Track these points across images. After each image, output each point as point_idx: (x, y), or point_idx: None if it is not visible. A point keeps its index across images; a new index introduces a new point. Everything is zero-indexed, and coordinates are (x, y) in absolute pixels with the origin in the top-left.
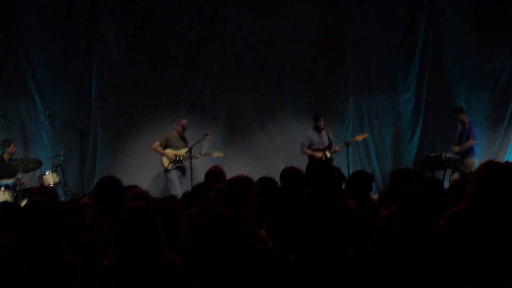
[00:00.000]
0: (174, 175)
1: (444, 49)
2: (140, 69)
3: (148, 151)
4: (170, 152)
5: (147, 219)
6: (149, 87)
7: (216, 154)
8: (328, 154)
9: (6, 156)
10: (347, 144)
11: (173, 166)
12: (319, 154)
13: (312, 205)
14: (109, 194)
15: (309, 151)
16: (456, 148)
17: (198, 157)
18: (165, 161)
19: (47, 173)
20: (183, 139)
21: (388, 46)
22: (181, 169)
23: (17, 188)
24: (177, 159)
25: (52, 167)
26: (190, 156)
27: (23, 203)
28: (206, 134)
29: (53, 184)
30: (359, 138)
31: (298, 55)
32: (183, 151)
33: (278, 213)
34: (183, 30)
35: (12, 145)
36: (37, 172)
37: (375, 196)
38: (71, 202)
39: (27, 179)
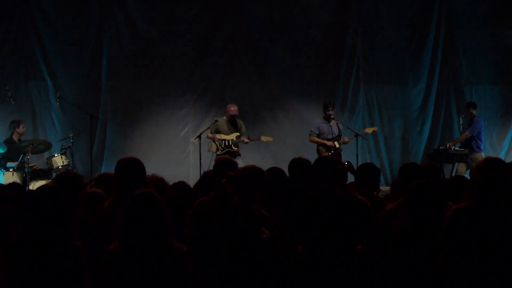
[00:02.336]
0: None
1: (456, 42)
2: (150, 53)
3: (156, 136)
4: (220, 136)
5: (154, 206)
6: (159, 71)
7: (265, 138)
8: (336, 144)
9: (15, 137)
10: (357, 136)
11: (221, 151)
12: (328, 143)
13: (321, 197)
14: (133, 177)
15: (317, 139)
16: (450, 143)
17: (247, 142)
18: (213, 146)
19: (56, 155)
20: (234, 123)
21: (399, 38)
22: (232, 154)
23: (25, 169)
24: (226, 144)
25: (61, 149)
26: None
27: (32, 184)
28: (216, 120)
29: (62, 166)
30: (369, 130)
31: (309, 45)
32: (232, 136)
33: (286, 203)
34: (195, 15)
35: (21, 126)
36: (46, 154)
37: (384, 188)
38: None
39: (37, 162)
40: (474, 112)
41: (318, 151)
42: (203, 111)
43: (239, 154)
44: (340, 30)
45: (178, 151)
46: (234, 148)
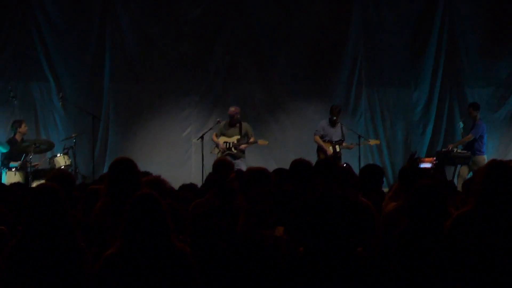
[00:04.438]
0: None
1: (459, 46)
2: (153, 55)
3: (159, 137)
4: (221, 139)
5: (154, 207)
6: (161, 73)
7: (261, 142)
8: (337, 148)
9: (18, 137)
10: (358, 144)
11: (222, 153)
12: (328, 146)
13: (322, 199)
14: (123, 177)
15: (320, 141)
16: (451, 145)
17: (245, 147)
18: (215, 149)
19: (58, 155)
20: (236, 126)
21: (401, 41)
22: (232, 157)
23: (28, 169)
24: (227, 146)
25: (64, 149)
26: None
27: (34, 184)
28: (218, 121)
29: (64, 166)
30: (372, 142)
31: (311, 48)
32: (233, 139)
33: (287, 205)
34: (197, 18)
35: (23, 125)
36: (49, 154)
37: (386, 189)
38: (81, 186)
39: (40, 161)
40: (475, 113)
41: (317, 155)
42: (205, 113)
43: (240, 158)
44: (342, 33)
45: (180, 152)
46: (234, 150)
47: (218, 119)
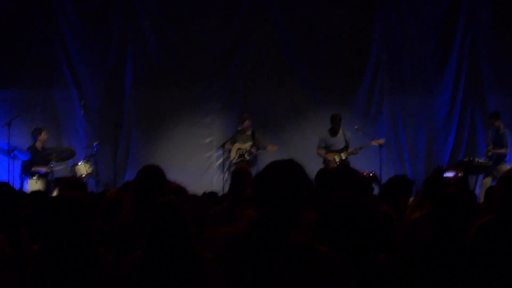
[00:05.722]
0: None
1: (481, 54)
2: (174, 63)
3: (180, 144)
4: (236, 146)
5: (175, 214)
6: (183, 81)
7: (270, 147)
8: (343, 156)
9: (38, 145)
10: (360, 148)
11: (237, 159)
12: (333, 156)
13: (345, 207)
14: (152, 184)
15: (323, 153)
16: (492, 148)
17: (255, 153)
18: (232, 154)
19: (80, 163)
20: (248, 133)
21: (423, 49)
22: (244, 163)
23: (50, 177)
24: (240, 153)
25: (85, 157)
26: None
27: (55, 192)
28: (239, 130)
29: (86, 174)
30: (375, 143)
31: (333, 56)
32: (246, 145)
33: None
34: (219, 26)
35: (43, 133)
36: (70, 161)
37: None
38: (102, 194)
39: (58, 169)
40: (498, 123)
41: (324, 163)
42: (227, 120)
43: (253, 164)
44: (364, 41)
45: (202, 159)
46: (246, 157)
47: (239, 127)
